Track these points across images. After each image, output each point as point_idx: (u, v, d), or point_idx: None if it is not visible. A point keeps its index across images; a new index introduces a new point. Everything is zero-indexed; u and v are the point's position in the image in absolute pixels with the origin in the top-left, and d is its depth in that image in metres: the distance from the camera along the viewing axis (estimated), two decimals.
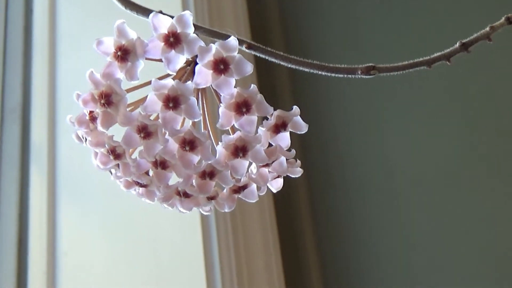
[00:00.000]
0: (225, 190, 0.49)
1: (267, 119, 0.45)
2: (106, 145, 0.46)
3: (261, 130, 0.45)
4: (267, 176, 0.48)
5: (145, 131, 0.44)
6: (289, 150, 0.47)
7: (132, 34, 0.44)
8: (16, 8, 1.29)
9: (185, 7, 1.16)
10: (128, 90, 0.46)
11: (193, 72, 0.44)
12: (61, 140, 1.15)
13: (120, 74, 0.44)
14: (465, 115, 1.26)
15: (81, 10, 1.27)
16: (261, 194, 0.50)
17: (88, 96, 0.45)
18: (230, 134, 0.45)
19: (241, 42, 0.47)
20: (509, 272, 1.14)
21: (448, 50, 0.45)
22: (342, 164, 1.33)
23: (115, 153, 0.46)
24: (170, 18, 0.44)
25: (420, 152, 1.28)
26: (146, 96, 0.44)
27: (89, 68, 0.45)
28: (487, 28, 0.44)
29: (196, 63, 0.44)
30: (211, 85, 0.44)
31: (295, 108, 0.46)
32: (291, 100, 1.39)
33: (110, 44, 0.44)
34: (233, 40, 0.43)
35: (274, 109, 0.45)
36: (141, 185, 0.48)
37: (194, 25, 0.44)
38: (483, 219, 1.18)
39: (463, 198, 1.21)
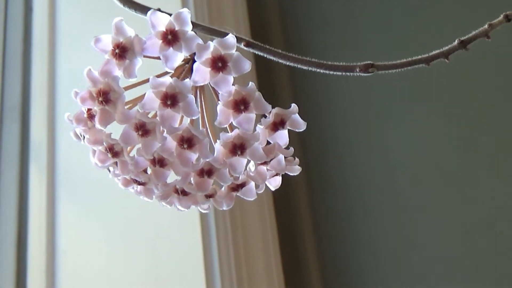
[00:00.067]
0: (223, 188, 0.49)
1: (265, 117, 0.45)
2: (104, 143, 0.46)
3: (259, 128, 0.45)
4: (265, 174, 0.48)
5: (143, 129, 0.44)
6: (287, 148, 0.47)
7: (130, 32, 0.44)
8: (16, 7, 1.29)
9: (184, 5, 1.15)
10: (126, 88, 0.45)
11: (191, 70, 0.44)
12: (60, 138, 1.15)
13: (118, 72, 0.44)
14: (465, 114, 1.26)
15: (81, 8, 1.27)
16: (259, 192, 0.49)
17: (86, 94, 0.45)
18: (228, 132, 0.45)
19: (239, 39, 0.47)
20: (509, 272, 1.14)
21: (446, 47, 0.45)
22: (342, 163, 1.33)
23: (113, 151, 0.46)
24: (168, 16, 0.44)
25: (420, 151, 1.28)
26: (144, 94, 0.44)
27: (89, 66, 0.45)
28: (486, 26, 0.44)
29: (194, 61, 0.44)
30: (209, 83, 0.44)
31: (293, 106, 0.45)
32: (290, 99, 1.38)
33: (108, 41, 0.44)
34: (231, 38, 0.43)
35: (273, 107, 0.45)
36: (139, 183, 0.48)
37: (192, 22, 0.44)
38: (483, 219, 1.18)
39: (463, 198, 1.21)
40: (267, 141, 0.46)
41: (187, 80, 0.44)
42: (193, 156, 0.45)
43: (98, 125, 0.44)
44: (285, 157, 0.47)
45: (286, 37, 1.47)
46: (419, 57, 0.45)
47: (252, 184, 0.49)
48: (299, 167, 0.49)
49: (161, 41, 0.44)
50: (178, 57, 0.44)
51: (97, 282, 1.06)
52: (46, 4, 1.26)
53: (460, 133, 1.25)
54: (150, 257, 1.04)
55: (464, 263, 1.17)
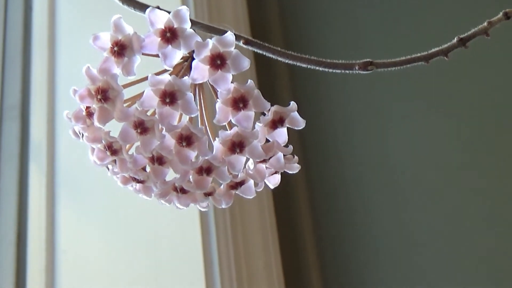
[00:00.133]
0: (222, 186, 0.49)
1: (264, 114, 0.45)
2: (103, 141, 0.46)
3: (258, 125, 0.45)
4: (264, 172, 0.48)
5: (142, 127, 0.44)
6: (286, 146, 0.47)
7: (129, 29, 0.44)
8: (16, 6, 1.29)
9: (184, 4, 1.15)
10: (125, 86, 0.45)
11: (190, 68, 0.44)
12: (60, 137, 1.15)
13: (116, 70, 0.44)
14: (465, 112, 1.26)
15: (80, 7, 1.27)
16: (258, 190, 0.49)
17: (85, 92, 0.44)
18: (227, 130, 0.45)
19: (238, 37, 0.47)
20: (509, 272, 1.14)
21: (445, 45, 0.45)
22: (341, 162, 1.33)
23: (112, 149, 0.46)
24: (167, 14, 0.44)
25: (420, 149, 1.28)
26: (143, 92, 0.44)
27: (89, 64, 0.45)
28: (485, 23, 0.44)
29: (193, 59, 0.44)
30: (208, 81, 0.44)
31: (293, 104, 0.45)
32: (290, 97, 1.38)
33: (106, 39, 0.44)
34: (230, 35, 0.43)
35: (272, 105, 0.45)
36: (138, 181, 0.48)
37: (191, 20, 0.44)
38: (483, 218, 1.18)
39: (463, 198, 1.21)
40: (266, 139, 0.46)
41: (186, 77, 0.44)
42: (192, 154, 0.45)
43: (96, 123, 0.44)
44: (284, 155, 0.47)
45: (286, 35, 1.47)
46: (418, 55, 0.45)
47: (251, 182, 0.49)
48: (298, 165, 0.48)
49: (159, 39, 0.44)
50: (177, 54, 0.44)
51: (97, 281, 1.06)
52: (46, 3, 1.26)
53: (460, 132, 1.25)
54: (150, 256, 1.04)
55: (464, 263, 1.17)
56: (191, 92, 0.44)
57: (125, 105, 0.45)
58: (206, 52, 0.43)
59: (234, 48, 0.43)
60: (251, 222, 1.16)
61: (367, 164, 1.31)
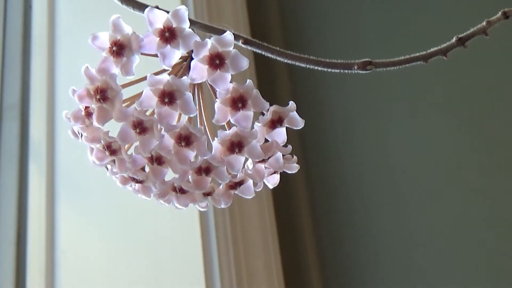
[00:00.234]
0: (221, 186, 0.49)
1: (263, 114, 0.45)
2: (101, 141, 0.46)
3: (257, 125, 0.45)
4: (263, 172, 0.48)
5: (141, 127, 0.44)
6: (285, 146, 0.47)
7: (128, 29, 0.44)
8: (15, 5, 1.29)
9: (183, 3, 1.15)
10: (124, 86, 0.45)
11: (189, 67, 0.44)
12: (60, 137, 1.15)
13: (115, 69, 0.44)
14: (464, 112, 1.26)
15: (80, 6, 1.27)
16: (257, 190, 0.49)
17: (84, 92, 0.44)
18: (226, 130, 0.45)
19: (237, 37, 0.46)
20: (509, 272, 1.14)
21: (444, 45, 0.45)
22: (341, 162, 1.33)
23: (111, 149, 0.46)
24: (166, 13, 0.44)
25: (420, 149, 1.27)
26: (142, 92, 0.44)
27: (88, 64, 0.45)
28: (484, 23, 0.44)
29: (191, 58, 0.44)
30: (207, 80, 0.44)
31: (291, 104, 0.45)
32: (289, 96, 1.38)
33: (105, 39, 0.44)
34: (228, 35, 0.43)
35: (272, 105, 0.45)
36: (137, 181, 0.48)
37: (190, 20, 0.44)
38: (483, 218, 1.18)
39: (463, 198, 1.21)
40: (265, 138, 0.46)
41: (184, 77, 0.44)
42: (191, 154, 0.45)
43: (95, 123, 0.44)
44: (283, 155, 0.47)
45: (285, 35, 1.47)
46: (417, 54, 0.45)
47: (250, 182, 0.49)
48: (297, 165, 0.48)
49: (158, 39, 0.44)
50: (176, 54, 0.44)
51: (97, 281, 1.06)
52: (45, 2, 1.26)
53: (459, 132, 1.25)
54: (150, 256, 1.04)
55: (464, 263, 1.17)
56: (190, 92, 0.44)
57: (124, 105, 0.45)
58: (205, 52, 0.43)
59: (233, 48, 0.43)
60: (251, 222, 1.16)
61: (366, 163, 1.31)
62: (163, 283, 1.02)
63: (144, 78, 0.44)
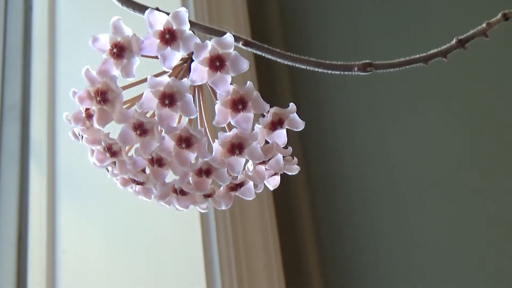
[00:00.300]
0: (221, 188, 0.49)
1: (263, 116, 0.45)
2: (102, 143, 0.46)
3: (258, 127, 0.45)
4: (263, 173, 0.48)
5: (141, 129, 0.44)
6: (286, 147, 0.47)
7: (128, 31, 0.44)
8: (16, 6, 1.29)
9: (184, 5, 1.15)
10: (124, 87, 0.45)
11: (189, 69, 0.44)
12: (60, 137, 1.15)
13: (116, 71, 0.44)
14: (464, 113, 1.26)
15: (80, 7, 1.27)
16: (258, 191, 0.49)
17: (84, 94, 0.44)
18: (226, 131, 0.45)
19: (237, 39, 0.47)
20: (509, 272, 1.14)
21: (444, 46, 0.45)
22: (342, 163, 1.33)
23: (112, 151, 0.46)
24: (166, 15, 0.44)
25: (420, 150, 1.27)
26: (142, 93, 0.44)
27: (89, 65, 0.45)
28: (484, 25, 0.44)
29: (192, 60, 0.44)
30: (207, 82, 0.44)
31: (292, 105, 0.45)
32: (290, 98, 1.38)
33: (105, 41, 0.44)
34: (228, 37, 0.43)
35: (272, 107, 0.45)
36: (138, 183, 0.48)
37: (190, 21, 0.44)
38: (483, 218, 1.18)
39: (464, 198, 1.21)
40: (266, 140, 0.46)
41: (185, 79, 0.44)
42: (192, 155, 0.45)
43: (96, 125, 0.44)
44: (283, 157, 0.47)
45: (286, 37, 1.47)
46: (417, 56, 0.45)
47: (251, 183, 0.49)
48: (297, 167, 0.48)
49: (158, 41, 0.44)
50: (176, 56, 0.44)
51: (97, 282, 1.06)
52: (46, 3, 1.26)
53: (459, 132, 1.25)
54: (150, 257, 1.04)
55: (464, 263, 1.17)
56: (190, 93, 0.44)
57: (124, 106, 0.45)
58: (205, 54, 0.43)
59: (233, 50, 0.43)
60: (252, 222, 1.16)
61: (367, 164, 1.31)
62: (163, 283, 1.02)
63: (145, 80, 0.44)
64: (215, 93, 0.45)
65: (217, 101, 0.44)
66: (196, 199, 0.49)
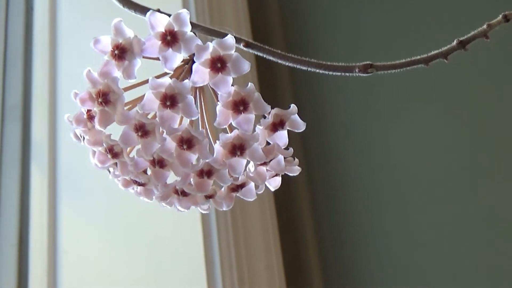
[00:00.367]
0: (223, 189, 0.49)
1: (265, 117, 0.45)
2: (104, 144, 0.46)
3: (259, 128, 0.45)
4: (265, 174, 0.48)
5: (143, 130, 0.44)
6: (287, 148, 0.47)
7: (129, 33, 0.44)
8: (17, 6, 1.29)
9: (185, 6, 1.15)
10: (126, 89, 0.46)
11: (191, 71, 0.44)
12: (61, 138, 1.15)
13: (117, 73, 0.44)
14: (465, 114, 1.26)
15: (81, 8, 1.27)
16: (259, 192, 0.49)
17: (86, 95, 0.45)
18: (227, 133, 0.45)
19: (238, 40, 0.47)
20: (509, 272, 1.14)
21: (445, 48, 0.45)
22: (343, 164, 1.33)
23: (113, 152, 0.46)
24: (167, 17, 0.44)
25: (421, 151, 1.28)
26: (144, 95, 0.44)
27: (90, 66, 0.45)
28: (484, 26, 0.44)
29: (193, 62, 0.44)
30: (208, 84, 0.44)
31: (293, 107, 0.45)
32: (291, 99, 1.38)
33: (107, 42, 0.44)
34: (230, 38, 0.43)
35: (273, 108, 0.45)
36: (139, 184, 0.48)
37: (191, 23, 0.44)
38: (483, 218, 1.18)
39: (464, 198, 1.21)
40: (267, 141, 0.46)
41: (186, 81, 0.44)
42: (193, 156, 0.45)
43: (97, 126, 0.44)
44: (284, 158, 0.47)
45: (287, 38, 1.47)
46: (418, 57, 0.45)
47: (252, 184, 0.49)
48: (298, 168, 0.49)
49: (160, 42, 0.44)
50: (177, 58, 0.44)
51: (98, 282, 1.06)
52: (47, 4, 1.26)
53: (460, 134, 1.25)
54: (151, 257, 1.04)
55: (464, 263, 1.17)
56: (191, 95, 0.44)
57: (126, 108, 0.45)
58: (207, 55, 0.43)
59: (235, 51, 0.43)
60: (253, 223, 1.16)
61: (367, 165, 1.31)
62: (164, 283, 1.02)
63: (146, 81, 0.44)
64: (216, 95, 0.45)
65: (218, 103, 0.44)
66: (197, 200, 0.49)
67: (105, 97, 0.44)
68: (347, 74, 0.47)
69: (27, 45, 1.26)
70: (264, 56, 0.49)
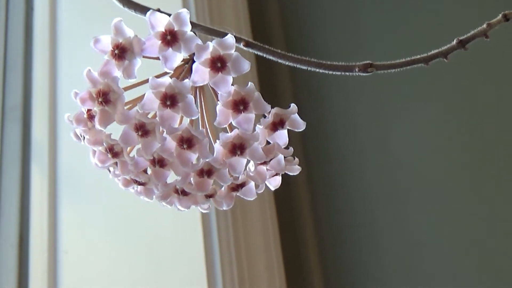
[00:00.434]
0: (223, 188, 0.49)
1: (265, 117, 0.45)
2: (104, 144, 0.46)
3: (259, 128, 0.45)
4: (265, 174, 0.48)
5: (143, 129, 0.44)
6: (287, 148, 0.47)
7: (129, 32, 0.44)
8: (17, 7, 1.29)
9: (185, 6, 1.16)
10: (126, 88, 0.46)
11: (191, 70, 0.44)
12: (61, 138, 1.15)
13: (117, 72, 0.44)
14: (465, 113, 1.26)
15: (82, 8, 1.27)
16: (259, 192, 0.49)
17: (86, 95, 0.45)
18: (227, 132, 0.45)
19: (238, 39, 0.47)
20: (509, 272, 1.14)
21: (445, 47, 0.45)
22: (343, 163, 1.33)
23: (113, 152, 0.46)
24: (167, 16, 0.44)
25: (422, 150, 1.28)
26: (144, 94, 0.44)
27: (90, 66, 0.45)
28: (484, 25, 0.44)
29: (193, 61, 0.44)
30: (208, 83, 0.44)
31: (293, 106, 0.45)
32: (291, 99, 1.38)
33: (107, 42, 0.44)
34: (230, 38, 0.43)
35: (274, 107, 0.45)
36: (139, 183, 0.48)
37: (191, 23, 0.44)
38: (483, 218, 1.18)
39: (466, 198, 1.21)
40: (267, 141, 0.46)
41: (186, 80, 0.44)
42: (193, 156, 0.45)
43: (98, 126, 0.44)
44: (284, 157, 0.47)
45: (287, 37, 1.47)
46: (418, 56, 0.45)
47: (252, 184, 0.49)
48: (298, 167, 0.49)
49: (160, 42, 0.44)
50: (177, 57, 0.44)
51: (99, 282, 1.06)
52: (47, 4, 1.26)
53: (460, 133, 1.25)
54: (151, 257, 1.04)
55: (464, 263, 1.17)
56: (191, 94, 0.44)
57: (126, 107, 0.45)
58: (207, 55, 0.43)
59: (235, 51, 0.43)
60: (253, 223, 1.16)
61: (367, 165, 1.31)
62: (164, 284, 1.02)
63: (146, 81, 0.44)
64: (216, 94, 0.45)
65: (218, 102, 0.44)
66: (197, 199, 0.49)
67: (105, 97, 0.44)
68: (347, 73, 0.47)
69: (27, 46, 1.26)
70: (264, 55, 0.49)
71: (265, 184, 0.49)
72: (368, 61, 0.46)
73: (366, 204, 1.28)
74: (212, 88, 0.45)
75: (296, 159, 0.48)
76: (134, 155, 0.46)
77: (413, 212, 1.24)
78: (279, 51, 0.48)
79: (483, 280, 1.15)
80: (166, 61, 0.44)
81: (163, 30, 0.44)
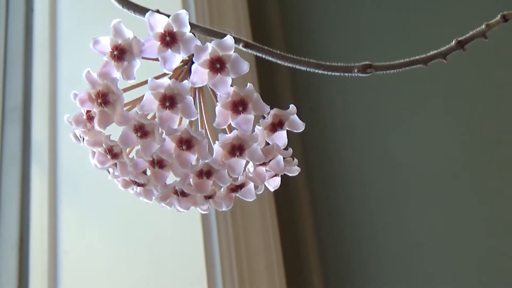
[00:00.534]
0: (222, 189, 0.49)
1: (264, 117, 0.45)
2: (103, 145, 0.46)
3: (258, 129, 0.45)
4: (264, 175, 0.48)
5: (142, 130, 0.44)
6: (286, 148, 0.47)
7: (128, 34, 0.44)
8: (17, 7, 1.29)
9: (185, 7, 1.16)
10: (125, 90, 0.46)
11: (190, 71, 0.44)
12: (62, 139, 1.15)
13: (116, 74, 0.44)
14: (464, 114, 1.26)
15: (81, 9, 1.27)
16: (258, 193, 0.50)
17: (85, 96, 0.45)
18: (227, 133, 0.45)
19: (237, 40, 0.47)
20: (509, 272, 1.14)
21: (444, 48, 0.45)
22: (343, 164, 1.33)
23: (113, 153, 0.46)
24: (167, 17, 0.44)
25: (422, 150, 1.28)
26: (143, 96, 0.44)
27: (90, 67, 0.45)
28: (483, 26, 0.44)
29: (192, 62, 0.44)
30: (207, 84, 0.44)
31: (292, 107, 0.45)
32: (291, 99, 1.38)
33: (106, 43, 0.44)
34: (229, 39, 0.43)
35: (273, 108, 0.45)
36: (139, 184, 0.48)
37: (190, 24, 0.44)
38: (483, 218, 1.18)
39: (466, 198, 1.21)
40: (266, 142, 0.46)
41: (185, 81, 0.44)
42: (192, 157, 0.45)
43: (97, 127, 0.44)
44: (284, 158, 0.47)
45: (286, 38, 1.47)
46: (417, 57, 0.45)
47: (251, 185, 0.49)
48: (298, 168, 0.49)
49: (159, 43, 0.44)
50: (177, 58, 0.44)
51: (99, 282, 1.06)
52: (47, 5, 1.26)
53: (460, 133, 1.25)
54: (152, 257, 1.04)
55: (464, 263, 1.17)
56: (190, 95, 0.44)
57: (125, 108, 0.45)
58: (206, 56, 0.43)
59: (234, 52, 0.43)
60: (253, 223, 1.16)
61: (367, 165, 1.31)
62: (164, 284, 1.02)
63: (145, 82, 0.44)
64: (215, 95, 0.45)
65: (217, 103, 0.44)
66: (197, 200, 0.49)
67: (104, 98, 0.44)
68: (347, 74, 0.47)
69: (27, 46, 1.26)
70: (264, 56, 0.49)
71: (265, 185, 0.49)
72: (367, 62, 0.46)
73: (366, 204, 1.28)
74: (211, 89, 0.45)
75: (296, 160, 0.48)
76: (133, 156, 0.46)
77: (413, 212, 1.24)
78: (278, 52, 0.48)
79: (483, 280, 1.15)
80: (165, 62, 0.44)
81: (162, 31, 0.44)
